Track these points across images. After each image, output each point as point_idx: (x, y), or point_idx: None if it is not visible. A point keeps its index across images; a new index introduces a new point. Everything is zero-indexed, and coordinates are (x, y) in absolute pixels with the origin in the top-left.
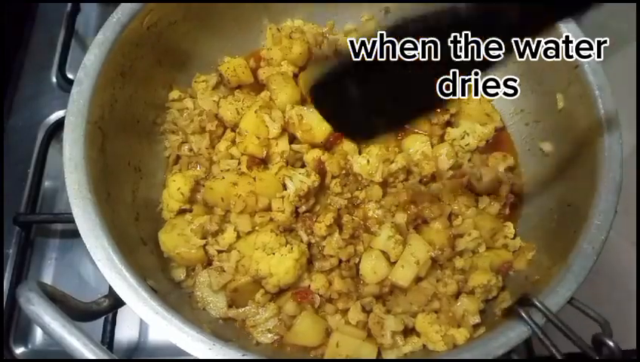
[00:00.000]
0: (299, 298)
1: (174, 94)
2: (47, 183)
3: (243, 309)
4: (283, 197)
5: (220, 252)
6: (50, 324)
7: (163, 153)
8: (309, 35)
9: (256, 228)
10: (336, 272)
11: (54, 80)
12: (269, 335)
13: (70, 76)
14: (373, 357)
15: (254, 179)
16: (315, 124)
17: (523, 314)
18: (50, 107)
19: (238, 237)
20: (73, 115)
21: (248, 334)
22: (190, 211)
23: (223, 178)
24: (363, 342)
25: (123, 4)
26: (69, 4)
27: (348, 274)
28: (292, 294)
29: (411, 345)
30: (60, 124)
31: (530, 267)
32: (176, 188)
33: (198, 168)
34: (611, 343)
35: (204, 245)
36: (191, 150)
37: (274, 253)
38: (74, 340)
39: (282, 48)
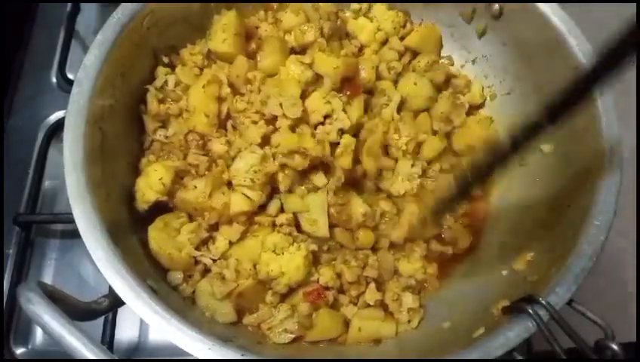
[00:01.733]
0: (311, 298)
1: (161, 72)
2: (47, 183)
3: (256, 314)
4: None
5: (214, 260)
6: (49, 324)
7: None
8: (322, 11)
9: (248, 234)
10: (343, 262)
11: (54, 80)
12: (287, 335)
13: (70, 76)
14: (393, 333)
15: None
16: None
17: (530, 311)
18: (50, 107)
19: (231, 243)
20: (73, 115)
21: (262, 335)
22: (167, 205)
23: (195, 188)
24: (382, 323)
25: (123, 5)
26: (69, 5)
27: (356, 263)
28: (304, 294)
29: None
30: (60, 124)
31: (529, 268)
32: (157, 177)
33: (171, 157)
34: (615, 346)
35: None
36: (167, 137)
37: (283, 253)
38: (74, 340)
39: (295, 25)
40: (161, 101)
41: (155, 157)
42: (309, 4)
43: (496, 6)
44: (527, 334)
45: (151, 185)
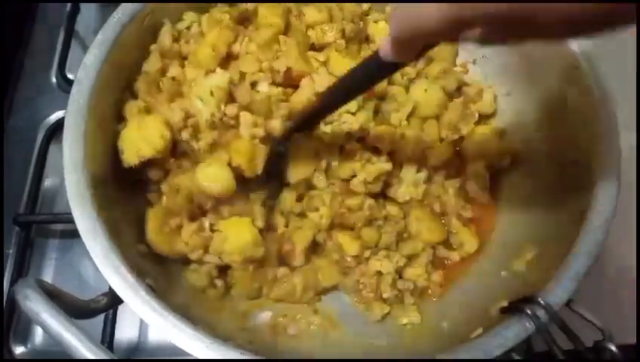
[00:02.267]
0: None
1: (188, 16)
2: (47, 183)
3: None
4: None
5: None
6: (47, 321)
7: None
8: (346, 11)
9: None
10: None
11: (54, 80)
12: None
13: (70, 76)
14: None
15: None
16: None
17: (528, 312)
18: (50, 107)
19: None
20: (73, 114)
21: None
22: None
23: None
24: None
25: (123, 5)
26: (69, 5)
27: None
28: None
29: None
30: (60, 124)
31: (529, 268)
32: (156, 131)
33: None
34: (613, 348)
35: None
36: (173, 78)
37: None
38: (72, 339)
39: (318, 20)
40: (175, 39)
41: (143, 101)
42: (335, 4)
43: None
44: (526, 335)
45: (149, 140)
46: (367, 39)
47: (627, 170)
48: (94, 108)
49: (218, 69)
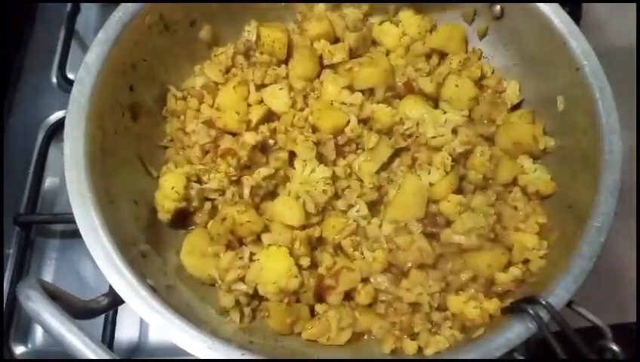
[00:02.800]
0: None
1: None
2: (47, 183)
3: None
4: None
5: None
6: (49, 321)
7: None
8: (348, 19)
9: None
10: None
11: (54, 80)
12: None
13: (70, 76)
14: None
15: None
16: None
17: (530, 312)
18: (50, 107)
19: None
20: (74, 113)
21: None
22: (189, 211)
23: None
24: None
25: (124, 4)
26: (69, 5)
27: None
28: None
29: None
30: (60, 124)
31: (531, 268)
32: (169, 187)
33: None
34: (615, 347)
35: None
36: (186, 132)
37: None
38: (74, 339)
39: (321, 32)
40: (180, 98)
41: (173, 163)
42: (336, 14)
43: (498, 7)
44: (528, 334)
45: (166, 195)
46: (374, 43)
47: (627, 171)
48: (95, 107)
49: (321, 166)
